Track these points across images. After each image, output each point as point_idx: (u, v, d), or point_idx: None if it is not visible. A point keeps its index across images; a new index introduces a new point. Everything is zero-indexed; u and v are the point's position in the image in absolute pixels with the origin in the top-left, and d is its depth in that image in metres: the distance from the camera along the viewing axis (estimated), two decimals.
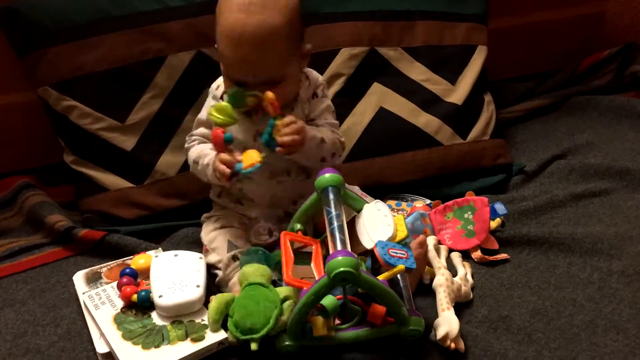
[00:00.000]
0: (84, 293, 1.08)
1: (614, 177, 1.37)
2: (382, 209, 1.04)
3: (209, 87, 1.33)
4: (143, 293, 1.04)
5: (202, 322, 1.01)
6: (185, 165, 1.32)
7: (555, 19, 1.79)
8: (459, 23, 1.51)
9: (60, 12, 1.30)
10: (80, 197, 1.34)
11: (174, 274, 1.06)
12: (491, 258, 1.17)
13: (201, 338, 0.98)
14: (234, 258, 1.10)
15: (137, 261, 1.12)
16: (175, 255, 1.10)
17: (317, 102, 1.15)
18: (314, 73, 1.16)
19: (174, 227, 1.29)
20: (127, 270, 1.10)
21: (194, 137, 1.17)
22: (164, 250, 1.18)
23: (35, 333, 1.05)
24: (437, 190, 1.37)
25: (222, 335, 0.98)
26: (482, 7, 1.55)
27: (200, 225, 1.28)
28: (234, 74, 1.05)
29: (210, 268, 1.12)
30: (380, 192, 1.35)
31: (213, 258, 1.12)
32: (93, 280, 1.12)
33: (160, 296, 1.02)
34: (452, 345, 0.96)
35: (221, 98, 1.14)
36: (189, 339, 0.98)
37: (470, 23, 1.52)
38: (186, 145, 1.18)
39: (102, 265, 1.15)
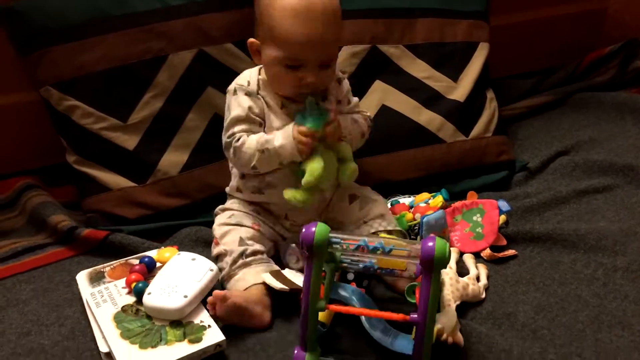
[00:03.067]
0: (86, 292, 1.08)
1: (617, 173, 1.37)
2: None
3: (211, 85, 1.34)
4: (140, 285, 1.05)
5: (201, 324, 1.00)
6: (187, 164, 1.32)
7: (557, 15, 1.79)
8: (460, 20, 1.51)
9: (61, 12, 1.30)
10: (82, 196, 1.34)
11: (175, 277, 1.05)
12: (500, 255, 1.17)
13: (198, 340, 0.97)
14: (243, 255, 1.09)
15: (162, 253, 1.13)
16: (193, 259, 1.09)
17: (341, 86, 1.20)
18: None
19: (176, 226, 1.29)
20: (146, 259, 1.11)
21: (237, 134, 1.13)
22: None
23: (39, 333, 1.05)
24: (439, 187, 1.37)
25: (219, 337, 0.98)
26: (483, 4, 1.55)
27: (202, 224, 1.29)
28: (298, 53, 1.06)
29: (217, 260, 1.12)
30: (383, 189, 1.34)
31: (221, 250, 1.11)
32: (96, 279, 1.12)
33: (149, 293, 1.03)
34: (450, 339, 0.96)
35: (258, 93, 1.14)
36: (186, 340, 0.97)
37: (472, 20, 1.51)
38: (233, 142, 1.12)
39: (105, 264, 1.15)
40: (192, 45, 1.34)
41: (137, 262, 1.13)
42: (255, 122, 1.13)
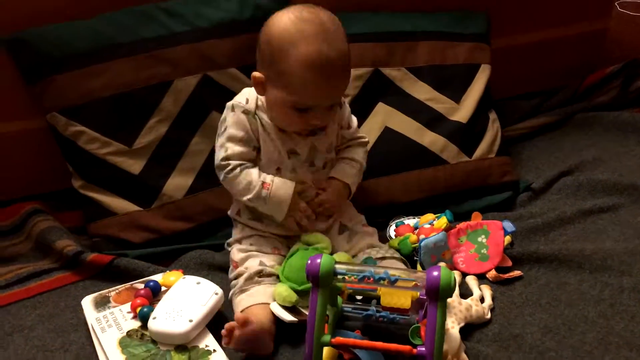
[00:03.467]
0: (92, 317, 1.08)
1: (622, 193, 1.37)
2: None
3: (215, 109, 1.35)
4: (145, 309, 1.05)
5: (206, 348, 1.00)
6: (192, 188, 1.33)
7: (558, 36, 1.79)
8: (461, 42, 1.52)
9: (66, 40, 1.31)
10: (88, 221, 1.34)
11: (180, 301, 1.05)
12: (505, 276, 1.16)
13: None
14: (259, 273, 1.10)
15: (168, 277, 1.14)
16: (198, 283, 1.09)
17: (343, 111, 1.22)
18: None
19: (181, 250, 1.29)
20: (151, 284, 1.12)
21: (232, 163, 1.14)
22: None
23: (44, 358, 1.05)
24: (443, 208, 1.36)
25: None
26: (484, 26, 1.56)
27: (207, 247, 1.29)
28: (307, 101, 1.08)
29: (234, 279, 1.12)
30: (387, 211, 1.35)
31: (241, 270, 1.12)
32: (102, 304, 1.12)
33: (154, 318, 1.02)
34: None
35: (255, 114, 1.15)
36: None
37: (473, 42, 1.53)
38: (227, 173, 1.14)
39: (110, 289, 1.15)
40: (197, 71, 1.35)
41: (142, 286, 1.13)
42: (251, 144, 1.14)
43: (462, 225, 1.25)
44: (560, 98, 1.76)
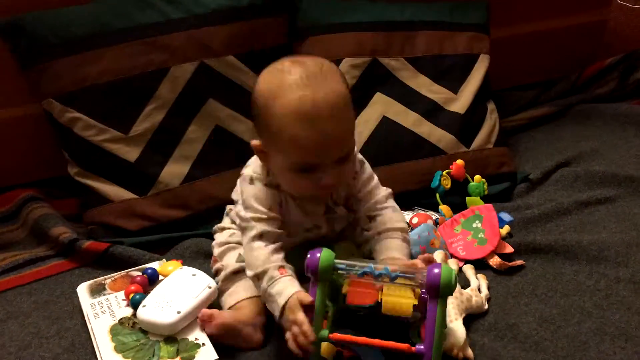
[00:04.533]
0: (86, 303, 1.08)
1: (619, 185, 1.37)
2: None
3: (212, 97, 1.34)
4: (137, 297, 1.04)
5: (195, 341, 0.99)
6: (188, 176, 1.32)
7: (558, 27, 1.79)
8: (461, 32, 1.51)
9: (63, 25, 1.30)
10: (84, 209, 1.34)
11: (172, 292, 1.04)
12: (510, 264, 1.16)
13: (191, 357, 0.96)
14: (239, 271, 1.07)
15: (166, 266, 1.13)
16: (193, 275, 1.08)
17: (357, 179, 1.08)
18: None
19: (177, 238, 1.29)
20: (149, 271, 1.11)
21: (256, 232, 1.00)
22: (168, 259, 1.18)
23: (39, 345, 1.05)
24: (442, 199, 1.36)
25: (212, 356, 0.96)
26: (484, 16, 1.56)
27: (203, 235, 1.28)
28: (308, 159, 0.94)
29: (215, 276, 1.11)
30: None
31: (219, 266, 1.11)
32: (97, 291, 1.11)
33: (144, 306, 1.02)
34: (460, 354, 0.95)
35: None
36: (179, 357, 0.96)
37: (472, 32, 1.52)
38: (249, 238, 1.00)
39: (106, 276, 1.15)
40: (194, 58, 1.34)
41: (138, 274, 1.13)
42: (276, 221, 1.02)
43: (455, 216, 1.26)
44: (558, 89, 1.76)
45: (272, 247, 0.99)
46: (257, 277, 0.98)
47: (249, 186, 1.03)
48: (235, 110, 1.36)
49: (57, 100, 1.31)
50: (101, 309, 1.05)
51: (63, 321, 1.09)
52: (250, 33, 1.38)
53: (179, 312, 1.00)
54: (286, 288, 0.94)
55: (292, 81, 0.92)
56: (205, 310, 1.01)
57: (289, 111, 0.92)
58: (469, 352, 0.96)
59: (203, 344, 0.98)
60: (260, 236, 1.00)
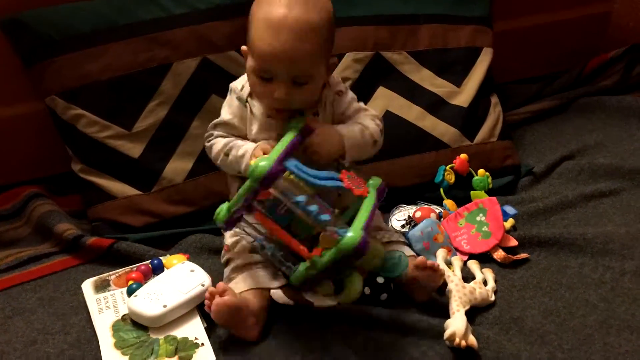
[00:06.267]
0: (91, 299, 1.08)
1: (623, 177, 1.36)
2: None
3: (215, 92, 1.34)
4: (134, 286, 1.05)
5: (195, 341, 0.98)
6: (192, 172, 1.32)
7: (561, 20, 1.78)
8: (464, 26, 1.51)
9: (65, 22, 1.30)
10: (88, 205, 1.34)
11: (165, 285, 1.04)
12: (515, 257, 1.16)
13: (189, 357, 0.96)
14: (248, 264, 1.07)
15: (171, 260, 1.13)
16: (192, 271, 1.08)
17: (343, 98, 1.16)
18: (332, 76, 1.17)
19: (181, 234, 1.29)
20: (156, 262, 1.11)
21: (215, 134, 1.15)
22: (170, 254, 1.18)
23: (45, 341, 1.05)
24: (446, 193, 1.36)
25: (210, 357, 0.96)
26: (486, 9, 1.55)
27: (208, 231, 1.28)
28: (266, 65, 1.04)
29: (225, 265, 1.11)
30: (387, 195, 1.34)
31: (230, 256, 1.10)
32: (102, 287, 1.12)
33: (136, 296, 1.03)
34: (463, 342, 0.95)
35: (246, 101, 1.14)
36: (177, 356, 0.96)
37: (475, 25, 1.51)
38: (207, 142, 1.16)
39: (110, 272, 1.15)
40: (196, 53, 1.34)
41: (145, 264, 1.14)
42: (235, 129, 1.14)
43: (459, 210, 1.25)
44: (562, 82, 1.75)
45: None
46: (226, 155, 1.11)
47: (228, 97, 1.17)
48: None
49: (60, 97, 1.31)
50: (106, 304, 1.06)
51: (68, 317, 1.10)
52: None
53: (165, 306, 1.01)
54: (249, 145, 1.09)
55: None
56: (220, 284, 1.00)
57: (262, 17, 1.04)
58: (471, 340, 0.96)
59: (202, 344, 0.98)
60: (214, 137, 1.14)
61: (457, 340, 0.95)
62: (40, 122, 1.38)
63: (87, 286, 1.12)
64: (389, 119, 1.40)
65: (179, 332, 1.00)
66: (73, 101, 1.31)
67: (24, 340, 1.05)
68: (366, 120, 1.14)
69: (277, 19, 1.02)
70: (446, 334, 0.96)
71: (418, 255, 1.13)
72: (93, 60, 1.31)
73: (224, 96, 1.34)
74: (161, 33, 1.33)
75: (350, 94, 1.19)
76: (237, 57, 1.37)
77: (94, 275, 1.15)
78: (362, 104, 1.19)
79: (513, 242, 1.19)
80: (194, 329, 1.01)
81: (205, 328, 1.01)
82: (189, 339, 0.99)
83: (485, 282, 1.10)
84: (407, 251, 1.13)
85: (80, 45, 1.30)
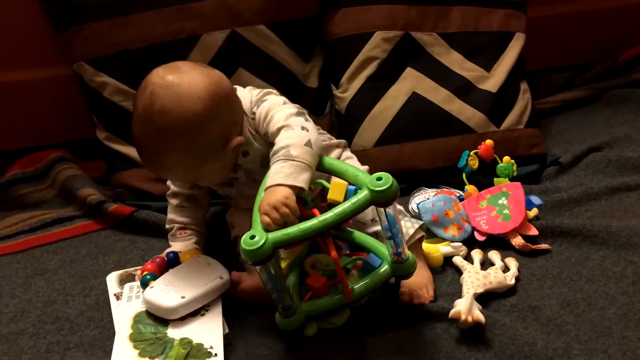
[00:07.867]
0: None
1: None
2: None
3: (242, 67, 1.34)
4: (148, 277, 1.03)
5: (209, 350, 0.94)
6: None
7: (597, 9, 1.74)
8: (497, 9, 1.48)
9: None
10: (111, 172, 1.35)
11: (182, 277, 1.02)
12: (534, 247, 1.15)
13: None
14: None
15: (185, 255, 1.10)
16: (208, 264, 1.06)
17: (257, 121, 1.05)
18: (241, 98, 1.08)
19: None
20: (171, 255, 1.09)
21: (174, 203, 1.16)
22: None
23: (65, 302, 1.07)
24: (469, 179, 1.35)
25: None
26: None
27: (223, 204, 1.29)
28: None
29: (235, 243, 1.12)
30: (410, 178, 1.34)
31: (234, 234, 1.12)
32: (127, 281, 1.08)
33: (152, 287, 1.00)
34: (469, 318, 0.95)
35: None
36: None
37: (509, 9, 1.48)
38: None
39: (136, 267, 1.11)
40: (225, 26, 1.34)
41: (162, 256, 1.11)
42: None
43: (482, 192, 1.25)
44: (594, 73, 1.72)
45: None
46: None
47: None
48: (264, 80, 1.35)
49: (88, 63, 1.32)
50: (136, 293, 1.04)
51: (88, 280, 1.11)
52: (282, 2, 1.37)
53: (183, 297, 0.98)
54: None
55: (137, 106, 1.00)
56: (234, 273, 1.02)
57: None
58: (477, 315, 0.96)
59: (215, 355, 0.93)
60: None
61: (463, 316, 0.95)
62: (67, 87, 1.40)
63: (112, 279, 1.08)
64: (416, 101, 1.39)
65: (197, 337, 0.96)
66: (101, 69, 1.32)
67: (44, 300, 1.07)
68: (281, 138, 0.99)
69: (135, 137, 1.02)
70: (451, 313, 0.96)
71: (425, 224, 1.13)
72: (122, 29, 1.31)
73: (251, 70, 1.35)
74: (191, 4, 1.33)
75: (264, 109, 1.04)
76: (266, 32, 1.36)
77: (114, 240, 1.17)
78: (261, 92, 1.09)
79: (534, 232, 1.18)
80: (212, 335, 0.96)
81: (225, 335, 0.97)
82: (204, 346, 0.94)
83: (506, 270, 1.09)
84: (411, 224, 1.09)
85: (112, 13, 1.31)
